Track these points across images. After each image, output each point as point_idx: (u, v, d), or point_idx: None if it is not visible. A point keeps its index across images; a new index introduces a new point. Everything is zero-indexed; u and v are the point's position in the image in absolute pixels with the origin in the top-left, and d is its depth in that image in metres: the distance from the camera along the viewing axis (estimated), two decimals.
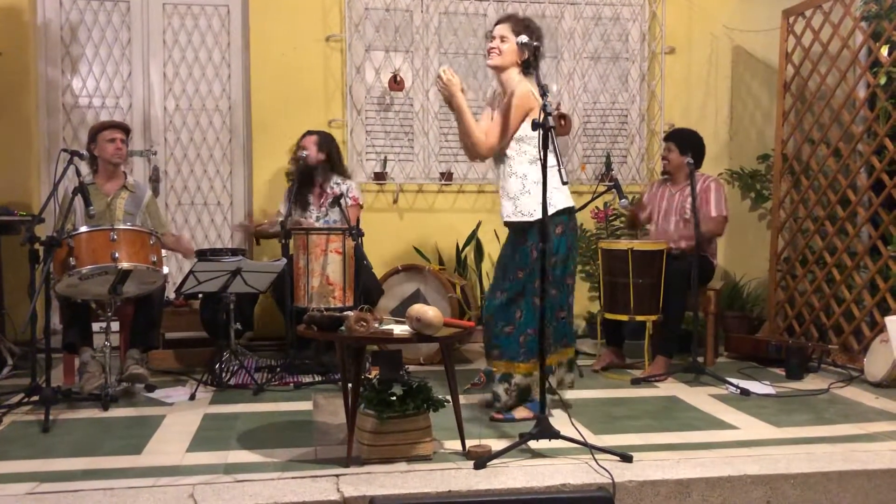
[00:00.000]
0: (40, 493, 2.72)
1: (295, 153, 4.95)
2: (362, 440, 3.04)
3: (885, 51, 4.87)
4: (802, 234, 5.40)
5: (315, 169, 4.93)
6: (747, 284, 5.91)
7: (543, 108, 3.11)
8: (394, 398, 3.05)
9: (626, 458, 3.03)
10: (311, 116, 5.52)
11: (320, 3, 5.66)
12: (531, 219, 3.53)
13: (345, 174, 5.10)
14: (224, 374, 4.38)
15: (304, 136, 5.03)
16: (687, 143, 4.88)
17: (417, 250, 5.68)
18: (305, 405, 3.97)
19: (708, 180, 4.92)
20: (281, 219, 4.79)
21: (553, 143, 3.09)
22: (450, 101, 3.55)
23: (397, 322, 3.20)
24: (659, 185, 5.10)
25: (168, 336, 4.97)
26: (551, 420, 3.12)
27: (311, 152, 4.92)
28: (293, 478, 2.86)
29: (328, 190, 4.96)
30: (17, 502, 2.67)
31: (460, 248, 5.72)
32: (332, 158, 5.01)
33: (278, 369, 4.54)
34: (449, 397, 3.18)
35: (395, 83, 5.70)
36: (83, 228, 3.90)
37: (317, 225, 4.83)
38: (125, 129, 4.59)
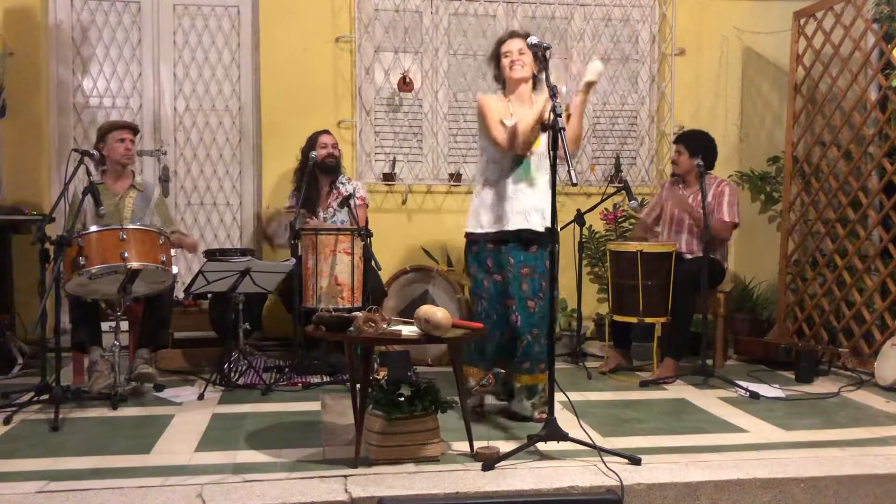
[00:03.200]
0: (49, 492, 2.73)
1: (317, 152, 4.89)
2: (370, 441, 3.04)
3: None
4: (813, 237, 5.38)
5: (335, 168, 5.00)
6: (757, 287, 5.89)
7: (553, 109, 3.11)
8: (402, 399, 3.05)
9: (635, 461, 3.03)
10: (321, 117, 5.52)
11: (330, 4, 5.67)
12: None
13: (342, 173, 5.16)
14: (233, 374, 4.39)
15: (320, 134, 5.04)
16: (697, 145, 4.84)
17: (426, 251, 5.67)
18: (314, 405, 3.98)
19: (722, 184, 4.89)
20: (291, 211, 4.82)
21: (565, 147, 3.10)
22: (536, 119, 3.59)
23: (405, 323, 3.21)
24: (670, 188, 5.06)
25: (177, 336, 4.97)
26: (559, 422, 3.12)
27: (336, 151, 5.01)
28: (301, 478, 2.86)
29: (338, 188, 5.00)
30: (27, 500, 2.68)
31: None
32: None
33: (287, 369, 4.55)
34: (457, 398, 3.18)
35: (405, 84, 5.70)
36: (93, 228, 3.91)
37: (326, 224, 4.84)
38: (134, 130, 4.61)
